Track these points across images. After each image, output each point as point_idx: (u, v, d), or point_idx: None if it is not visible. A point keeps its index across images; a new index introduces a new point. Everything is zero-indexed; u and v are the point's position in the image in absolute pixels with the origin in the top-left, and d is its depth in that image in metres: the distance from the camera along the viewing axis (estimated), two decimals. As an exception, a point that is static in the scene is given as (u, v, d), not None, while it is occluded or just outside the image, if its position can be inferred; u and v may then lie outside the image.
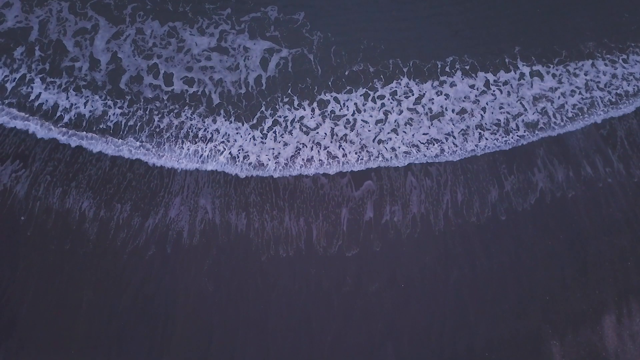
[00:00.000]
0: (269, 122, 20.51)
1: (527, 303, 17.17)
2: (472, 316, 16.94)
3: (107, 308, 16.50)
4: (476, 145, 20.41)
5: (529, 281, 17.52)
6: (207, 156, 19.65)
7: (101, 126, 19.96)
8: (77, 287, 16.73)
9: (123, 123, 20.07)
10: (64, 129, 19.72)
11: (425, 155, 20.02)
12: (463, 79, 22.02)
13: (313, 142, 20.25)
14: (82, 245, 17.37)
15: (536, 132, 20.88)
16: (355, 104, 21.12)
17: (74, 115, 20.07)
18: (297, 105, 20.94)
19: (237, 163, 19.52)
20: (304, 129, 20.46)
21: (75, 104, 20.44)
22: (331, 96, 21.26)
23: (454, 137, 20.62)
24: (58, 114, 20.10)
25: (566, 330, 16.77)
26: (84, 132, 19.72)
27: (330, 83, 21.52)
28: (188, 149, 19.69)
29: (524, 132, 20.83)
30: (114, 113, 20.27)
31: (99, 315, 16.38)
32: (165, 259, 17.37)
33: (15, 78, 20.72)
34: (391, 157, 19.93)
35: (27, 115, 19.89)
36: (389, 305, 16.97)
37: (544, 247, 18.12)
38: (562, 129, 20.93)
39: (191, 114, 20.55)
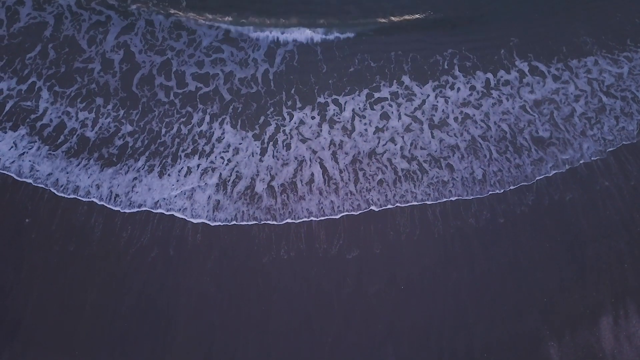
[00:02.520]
0: (270, 129, 20.43)
1: (525, 305, 17.32)
2: (471, 317, 17.10)
3: (110, 309, 16.67)
4: (484, 170, 19.71)
5: (527, 283, 17.68)
6: (199, 177, 19.16)
7: (103, 150, 19.38)
8: (80, 289, 16.90)
9: (130, 145, 19.54)
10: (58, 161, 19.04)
11: (430, 184, 19.42)
12: (463, 80, 22.03)
13: (312, 155, 19.90)
14: (86, 246, 17.54)
15: (548, 148, 20.34)
16: (358, 107, 21.19)
17: (75, 142, 19.46)
18: (299, 108, 20.97)
19: (227, 191, 18.99)
20: (302, 137, 20.30)
21: (84, 121, 19.86)
22: (331, 99, 21.27)
23: (462, 154, 20.13)
24: (61, 138, 19.50)
25: (564, 331, 16.93)
26: (83, 161, 19.14)
27: (331, 82, 21.58)
28: (179, 173, 19.12)
29: (535, 150, 20.24)
30: (123, 134, 19.68)
31: (102, 316, 16.55)
32: (168, 260, 17.53)
33: (22, 90, 20.37)
34: (394, 184, 19.55)
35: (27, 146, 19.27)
36: (389, 307, 17.13)
37: (542, 249, 18.27)
38: (578, 154, 20.21)
39: (200, 119, 20.39)
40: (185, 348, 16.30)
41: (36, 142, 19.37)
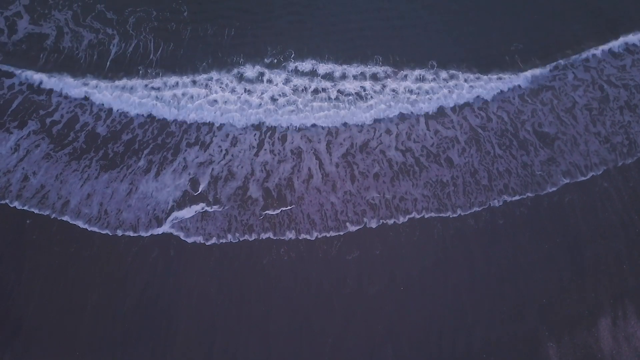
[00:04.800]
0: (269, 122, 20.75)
1: (524, 305, 17.38)
2: (470, 318, 17.15)
3: (111, 310, 16.72)
4: (490, 177, 19.62)
5: (526, 284, 17.73)
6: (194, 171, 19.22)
7: (108, 147, 19.52)
8: (81, 289, 16.94)
9: (138, 139, 19.82)
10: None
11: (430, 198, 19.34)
12: (460, 71, 22.32)
13: (311, 156, 20.00)
14: (87, 247, 17.60)
15: (555, 146, 20.26)
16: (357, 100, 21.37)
17: (83, 141, 19.60)
18: (298, 98, 21.35)
19: (218, 190, 18.92)
20: (300, 133, 20.51)
21: (96, 114, 20.20)
22: (335, 93, 21.65)
23: (462, 145, 20.24)
24: (71, 136, 19.68)
25: (563, 332, 16.99)
26: (84, 162, 19.16)
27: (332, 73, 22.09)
28: (174, 172, 19.13)
29: (541, 148, 20.21)
30: (132, 127, 20.04)
31: (103, 316, 16.60)
32: (169, 261, 17.59)
33: (32, 85, 20.74)
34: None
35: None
36: (389, 308, 17.18)
37: (541, 251, 18.33)
38: (588, 167, 19.99)
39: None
40: (186, 348, 16.34)
41: (42, 140, 19.49)
